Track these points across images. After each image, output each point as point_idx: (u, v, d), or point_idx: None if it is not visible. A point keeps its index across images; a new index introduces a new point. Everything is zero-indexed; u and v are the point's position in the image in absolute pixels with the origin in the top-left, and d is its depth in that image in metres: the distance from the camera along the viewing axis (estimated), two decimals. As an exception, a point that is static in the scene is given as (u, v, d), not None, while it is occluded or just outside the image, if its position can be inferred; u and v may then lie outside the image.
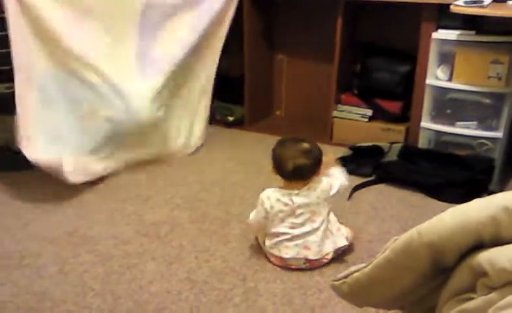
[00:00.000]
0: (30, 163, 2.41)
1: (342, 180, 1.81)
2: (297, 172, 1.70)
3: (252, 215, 1.80)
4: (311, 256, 1.71)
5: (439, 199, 2.22)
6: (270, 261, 1.76)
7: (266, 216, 1.74)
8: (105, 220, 2.05)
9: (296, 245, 1.71)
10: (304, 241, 1.71)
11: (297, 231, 1.71)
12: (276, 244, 1.73)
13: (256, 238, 1.86)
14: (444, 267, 0.94)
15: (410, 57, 2.66)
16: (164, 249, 1.84)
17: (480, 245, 0.88)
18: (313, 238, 1.71)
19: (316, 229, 1.71)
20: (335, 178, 1.79)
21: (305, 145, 1.72)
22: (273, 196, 1.73)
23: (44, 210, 2.12)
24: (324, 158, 1.79)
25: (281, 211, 1.71)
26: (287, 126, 3.15)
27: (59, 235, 1.93)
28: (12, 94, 2.22)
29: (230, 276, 1.69)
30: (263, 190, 1.79)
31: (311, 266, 1.72)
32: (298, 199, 1.70)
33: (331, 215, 1.80)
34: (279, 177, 1.76)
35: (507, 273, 0.80)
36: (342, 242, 1.77)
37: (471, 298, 0.87)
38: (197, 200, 2.22)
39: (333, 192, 1.75)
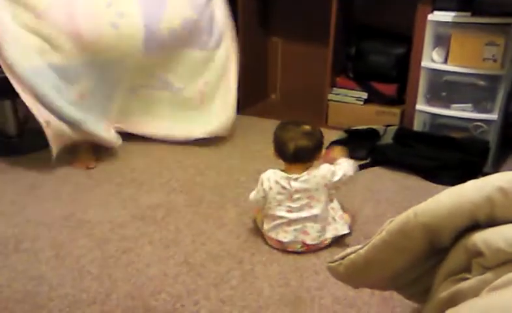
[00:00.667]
0: (23, 148, 2.42)
1: (347, 169, 1.77)
2: (298, 154, 1.71)
3: (252, 194, 1.80)
4: (309, 241, 1.71)
5: (434, 182, 2.23)
6: (266, 243, 1.77)
7: (264, 195, 1.74)
8: (101, 204, 2.05)
9: (295, 230, 1.71)
10: (302, 226, 1.71)
11: (294, 216, 1.71)
12: (274, 227, 1.73)
13: (254, 221, 1.87)
14: (440, 247, 0.95)
15: (406, 39, 2.66)
16: (160, 233, 1.85)
17: (475, 225, 0.89)
18: (311, 224, 1.71)
19: (315, 216, 1.71)
20: (340, 166, 1.77)
21: (307, 127, 1.74)
22: (272, 178, 1.73)
23: (39, 195, 2.12)
24: (335, 150, 1.82)
25: (279, 193, 1.71)
26: (282, 110, 3.14)
27: (55, 219, 1.93)
28: (4, 81, 2.20)
29: (226, 259, 1.70)
30: (258, 173, 1.79)
31: (308, 250, 1.73)
32: (295, 184, 1.70)
33: (335, 202, 1.80)
34: (280, 161, 1.76)
35: (502, 253, 0.81)
36: (344, 230, 1.77)
37: (467, 279, 0.87)
38: (192, 184, 2.22)
39: (335, 179, 1.73)
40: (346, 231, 1.77)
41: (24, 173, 2.30)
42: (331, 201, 1.77)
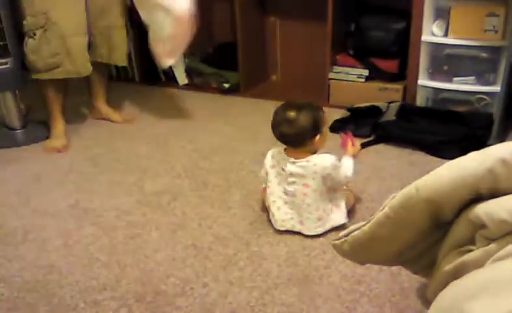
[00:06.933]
0: (27, 139, 2.43)
1: (347, 169, 1.72)
2: (283, 139, 1.70)
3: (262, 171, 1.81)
4: (306, 232, 1.71)
5: (438, 156, 2.22)
6: (272, 225, 1.78)
7: (266, 171, 1.76)
8: (106, 192, 2.06)
9: (292, 219, 1.71)
10: (298, 216, 1.70)
11: (288, 199, 1.70)
12: (273, 214, 1.74)
13: (262, 202, 1.87)
14: (443, 221, 0.95)
15: (405, 14, 2.63)
16: (167, 218, 1.86)
17: (478, 198, 0.89)
18: (307, 214, 1.69)
19: (308, 205, 1.68)
20: (341, 163, 1.73)
21: (291, 114, 1.65)
22: (277, 156, 1.73)
23: (44, 185, 2.13)
24: (355, 143, 1.82)
25: (278, 174, 1.72)
26: (283, 91, 3.13)
27: (61, 208, 1.95)
28: (6, 71, 2.19)
29: (233, 242, 1.71)
30: (262, 155, 1.79)
31: None
32: (291, 167, 1.68)
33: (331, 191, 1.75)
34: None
35: (506, 224, 0.82)
36: (342, 220, 1.73)
37: (471, 251, 0.88)
38: (196, 168, 2.23)
39: (339, 179, 1.69)
40: (343, 221, 1.73)
41: (28, 164, 2.32)
42: (334, 191, 1.74)
